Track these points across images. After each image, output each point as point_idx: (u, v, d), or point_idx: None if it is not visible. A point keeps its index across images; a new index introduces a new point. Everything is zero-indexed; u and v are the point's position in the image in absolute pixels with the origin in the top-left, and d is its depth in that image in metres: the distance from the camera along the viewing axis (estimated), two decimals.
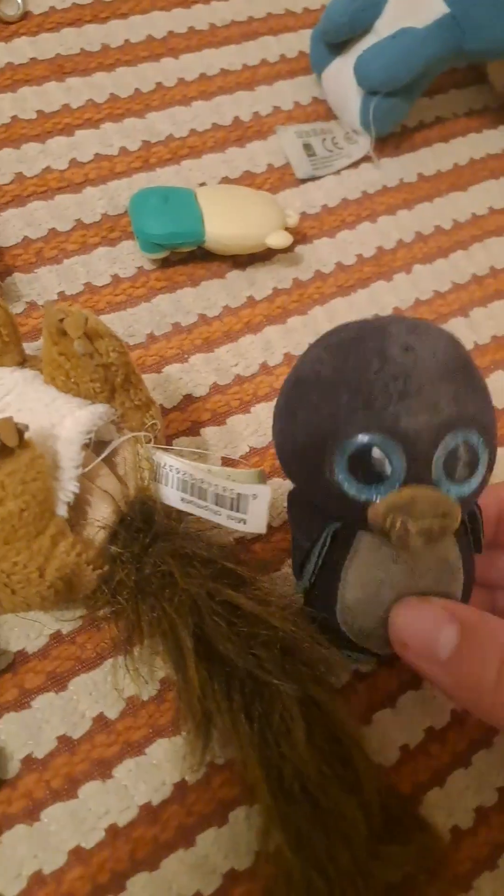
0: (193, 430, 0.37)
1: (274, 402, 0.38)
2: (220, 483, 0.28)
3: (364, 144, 0.48)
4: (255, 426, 0.38)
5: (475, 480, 0.25)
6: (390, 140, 0.50)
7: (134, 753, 0.30)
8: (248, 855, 0.29)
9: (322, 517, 0.27)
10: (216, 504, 0.28)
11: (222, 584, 0.27)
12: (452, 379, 0.24)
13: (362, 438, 0.23)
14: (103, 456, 0.27)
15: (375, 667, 0.34)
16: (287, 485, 0.37)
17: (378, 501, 0.24)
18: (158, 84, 0.46)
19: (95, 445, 0.28)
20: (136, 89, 0.46)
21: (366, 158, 0.49)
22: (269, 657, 0.27)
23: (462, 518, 0.25)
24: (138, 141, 0.44)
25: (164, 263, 0.40)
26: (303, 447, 0.25)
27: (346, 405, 0.23)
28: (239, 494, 0.28)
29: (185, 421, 0.37)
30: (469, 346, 0.44)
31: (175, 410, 0.37)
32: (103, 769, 0.29)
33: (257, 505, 0.28)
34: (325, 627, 0.28)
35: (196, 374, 0.38)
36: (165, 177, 0.43)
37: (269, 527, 0.35)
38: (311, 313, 0.42)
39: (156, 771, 0.30)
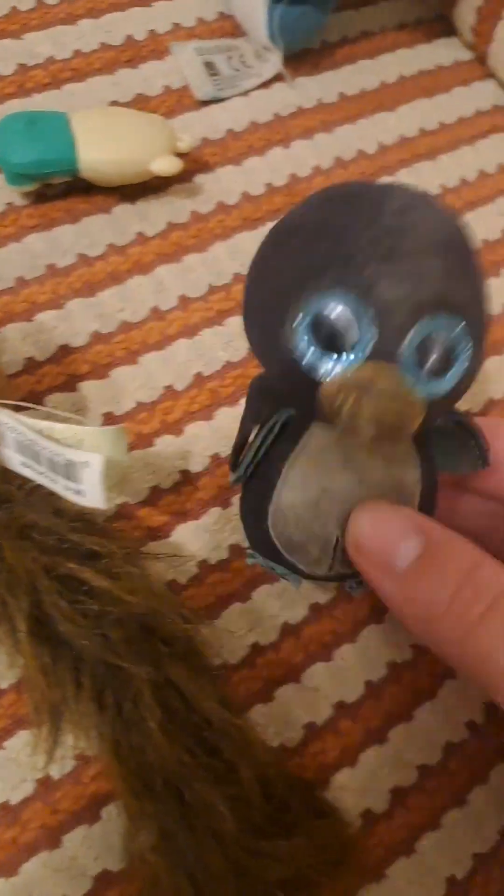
0: (70, 384, 0.33)
1: (165, 351, 0.35)
2: (50, 447, 0.24)
3: (276, 62, 0.43)
4: (144, 378, 0.34)
5: (450, 379, 0.21)
6: (308, 57, 0.46)
7: None
8: (123, 854, 0.26)
9: (276, 402, 0.24)
10: (52, 471, 0.24)
11: (66, 558, 0.24)
12: (446, 256, 0.20)
13: (333, 292, 0.20)
14: None
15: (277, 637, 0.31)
16: (199, 450, 0.33)
17: (336, 374, 0.20)
18: (39, 2, 0.42)
19: None
20: (13, 7, 0.41)
21: (279, 78, 0.44)
22: (122, 637, 0.23)
23: (423, 437, 0.23)
24: (13, 64, 0.39)
25: (39, 198, 0.36)
26: (268, 297, 0.22)
27: (324, 254, 0.20)
28: (69, 461, 0.24)
29: (59, 375, 0.33)
30: None
31: (48, 363, 0.33)
32: None
33: (90, 475, 0.24)
34: (253, 534, 0.25)
35: (74, 322, 0.34)
36: (44, 103, 0.39)
37: (157, 488, 0.32)
38: (212, 250, 0.38)
39: (15, 766, 0.26)
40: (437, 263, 0.20)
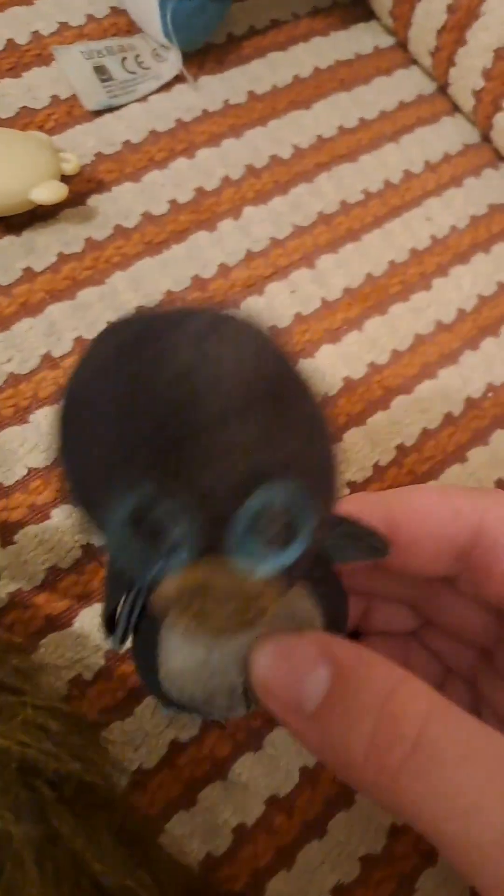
0: None
1: None
2: None
3: (175, 61, 0.39)
4: (36, 439, 0.30)
5: (297, 547, 0.17)
6: (212, 53, 0.41)
7: None
8: None
9: None
10: None
11: None
12: (257, 409, 0.16)
13: (140, 489, 0.16)
14: None
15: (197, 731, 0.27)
16: None
17: (166, 580, 0.17)
18: None
19: None
20: None
21: (180, 78, 0.40)
22: None
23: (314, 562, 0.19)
24: None
25: None
26: (77, 487, 0.18)
27: (116, 444, 0.16)
28: None
29: None
30: (316, 303, 0.36)
31: None
32: None
33: None
34: (155, 696, 0.23)
35: None
36: None
37: (56, 569, 0.28)
38: (111, 281, 0.34)
39: None
40: (248, 425, 0.16)
